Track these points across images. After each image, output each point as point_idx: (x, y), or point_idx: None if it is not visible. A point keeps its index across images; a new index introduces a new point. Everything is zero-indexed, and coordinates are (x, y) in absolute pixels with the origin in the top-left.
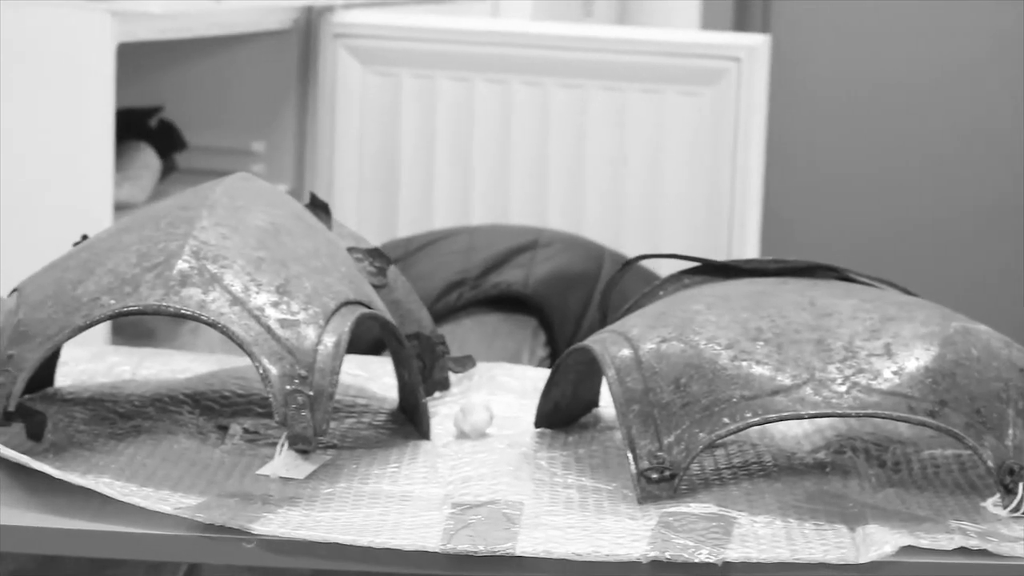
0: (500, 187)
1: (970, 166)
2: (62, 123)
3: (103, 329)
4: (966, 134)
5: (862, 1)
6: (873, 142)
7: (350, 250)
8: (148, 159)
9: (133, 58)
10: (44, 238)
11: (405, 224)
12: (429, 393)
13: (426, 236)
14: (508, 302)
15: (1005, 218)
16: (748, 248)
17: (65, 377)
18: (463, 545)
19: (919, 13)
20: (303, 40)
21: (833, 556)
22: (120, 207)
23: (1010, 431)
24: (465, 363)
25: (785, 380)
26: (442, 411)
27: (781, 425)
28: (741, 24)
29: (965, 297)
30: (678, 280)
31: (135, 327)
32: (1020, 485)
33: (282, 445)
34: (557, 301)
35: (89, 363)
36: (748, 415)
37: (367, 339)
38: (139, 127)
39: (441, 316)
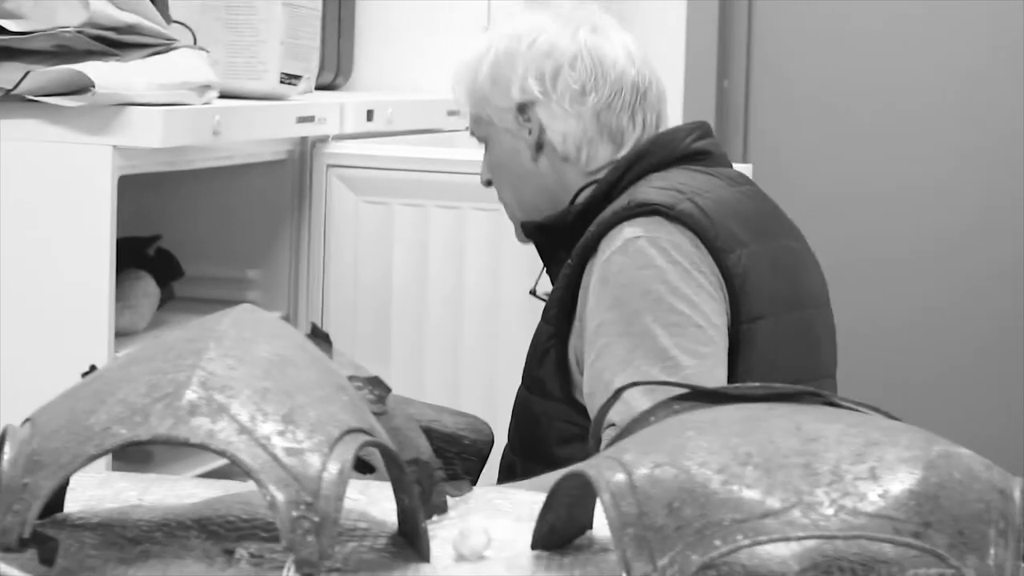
0: (491, 313)
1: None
2: (64, 254)
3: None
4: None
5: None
6: None
7: (350, 378)
8: (148, 287)
9: (132, 188)
10: (46, 365)
11: (399, 350)
12: (427, 517)
13: None
14: None
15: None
16: None
17: (74, 503)
18: None
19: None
20: (298, 170)
21: None
22: (120, 334)
23: (992, 551)
24: (462, 487)
25: (774, 503)
26: (440, 534)
27: (770, 547)
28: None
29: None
30: (668, 406)
31: (135, 451)
32: None
33: (288, 569)
34: None
35: (97, 489)
36: (739, 537)
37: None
38: (138, 256)
39: None
